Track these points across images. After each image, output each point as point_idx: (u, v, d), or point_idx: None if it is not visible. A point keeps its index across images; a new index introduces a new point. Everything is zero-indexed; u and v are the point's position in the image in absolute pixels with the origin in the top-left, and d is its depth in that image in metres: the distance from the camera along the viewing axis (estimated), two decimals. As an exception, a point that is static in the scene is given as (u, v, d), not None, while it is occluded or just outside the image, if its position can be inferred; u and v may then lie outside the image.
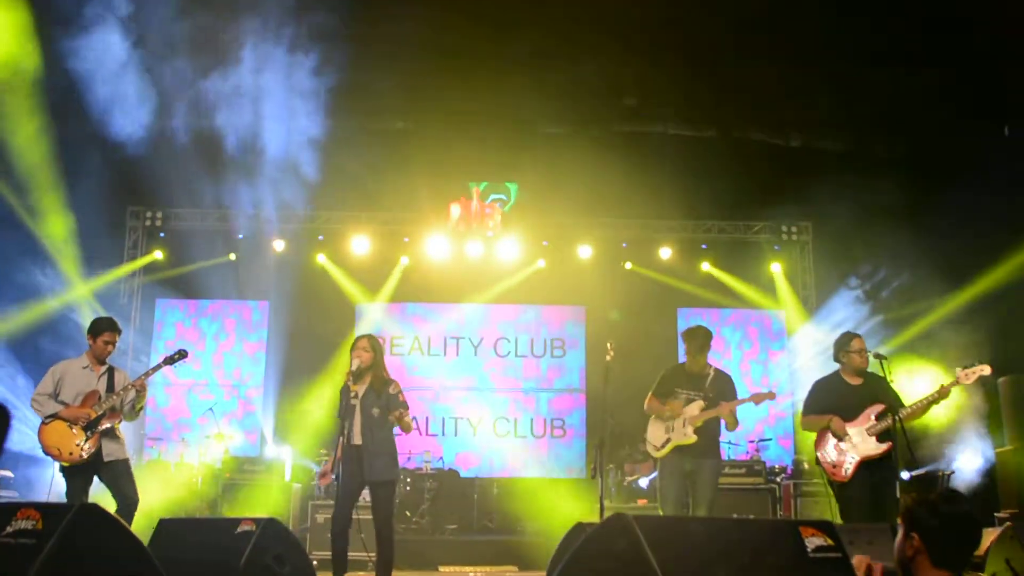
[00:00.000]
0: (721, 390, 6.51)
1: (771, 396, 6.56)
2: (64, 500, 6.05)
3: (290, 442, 10.28)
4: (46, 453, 6.04)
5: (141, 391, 6.25)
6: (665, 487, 6.51)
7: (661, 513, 6.52)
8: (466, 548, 9.38)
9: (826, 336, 11.58)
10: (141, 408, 6.35)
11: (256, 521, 5.11)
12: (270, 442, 11.03)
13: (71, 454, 6.00)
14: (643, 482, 10.03)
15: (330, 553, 6.01)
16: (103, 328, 6.34)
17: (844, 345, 6.26)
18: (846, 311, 11.58)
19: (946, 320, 10.03)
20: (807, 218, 12.38)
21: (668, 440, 6.48)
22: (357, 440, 5.91)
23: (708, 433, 6.46)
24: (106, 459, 6.12)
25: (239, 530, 5.06)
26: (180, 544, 5.03)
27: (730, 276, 12.37)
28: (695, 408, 6.44)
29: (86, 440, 6.03)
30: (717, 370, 6.64)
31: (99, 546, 3.79)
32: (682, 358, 6.91)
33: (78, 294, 10.36)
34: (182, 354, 6.50)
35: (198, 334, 12.02)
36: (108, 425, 6.16)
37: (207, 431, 10.12)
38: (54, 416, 6.08)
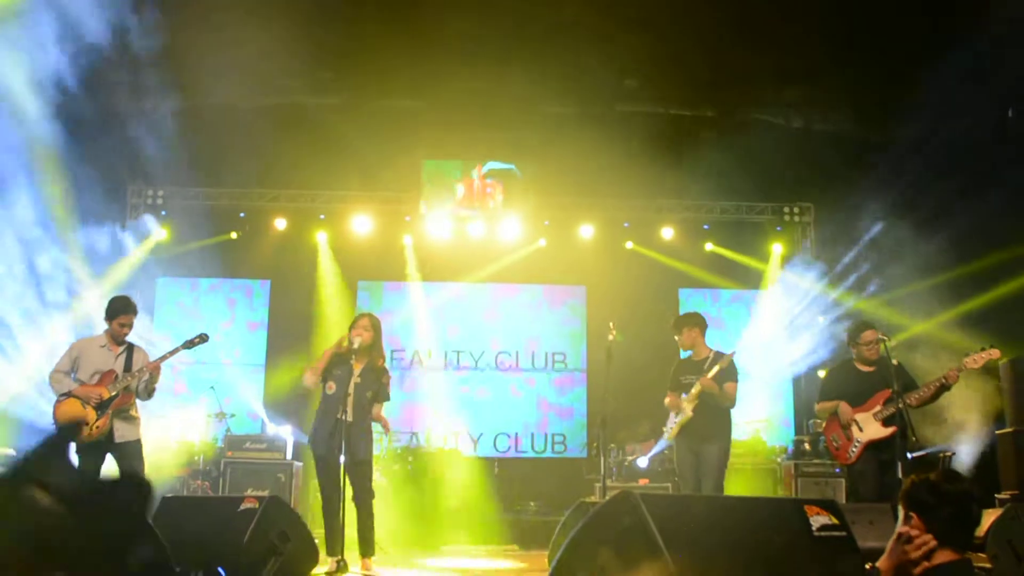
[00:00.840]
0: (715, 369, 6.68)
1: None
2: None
3: (291, 420, 10.28)
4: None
5: (155, 373, 6.23)
6: (678, 465, 6.84)
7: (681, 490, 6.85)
8: (468, 527, 9.42)
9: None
10: (154, 389, 6.32)
11: (259, 499, 5.14)
12: (271, 420, 11.03)
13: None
14: (641, 462, 10.04)
15: (332, 531, 6.07)
16: (117, 311, 6.31)
17: (855, 336, 6.39)
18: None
19: (945, 303, 9.99)
20: (809, 199, 12.33)
21: (675, 422, 6.75)
22: (349, 417, 5.99)
23: (708, 414, 6.63)
24: (118, 440, 6.12)
25: (242, 508, 5.10)
26: (184, 522, 5.06)
27: (733, 254, 12.33)
28: (695, 389, 6.68)
29: (97, 419, 6.02)
30: (716, 352, 6.85)
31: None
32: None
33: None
34: (203, 338, 6.46)
35: (199, 313, 12.00)
36: (121, 406, 6.15)
37: (208, 409, 10.13)
38: (68, 394, 6.07)
